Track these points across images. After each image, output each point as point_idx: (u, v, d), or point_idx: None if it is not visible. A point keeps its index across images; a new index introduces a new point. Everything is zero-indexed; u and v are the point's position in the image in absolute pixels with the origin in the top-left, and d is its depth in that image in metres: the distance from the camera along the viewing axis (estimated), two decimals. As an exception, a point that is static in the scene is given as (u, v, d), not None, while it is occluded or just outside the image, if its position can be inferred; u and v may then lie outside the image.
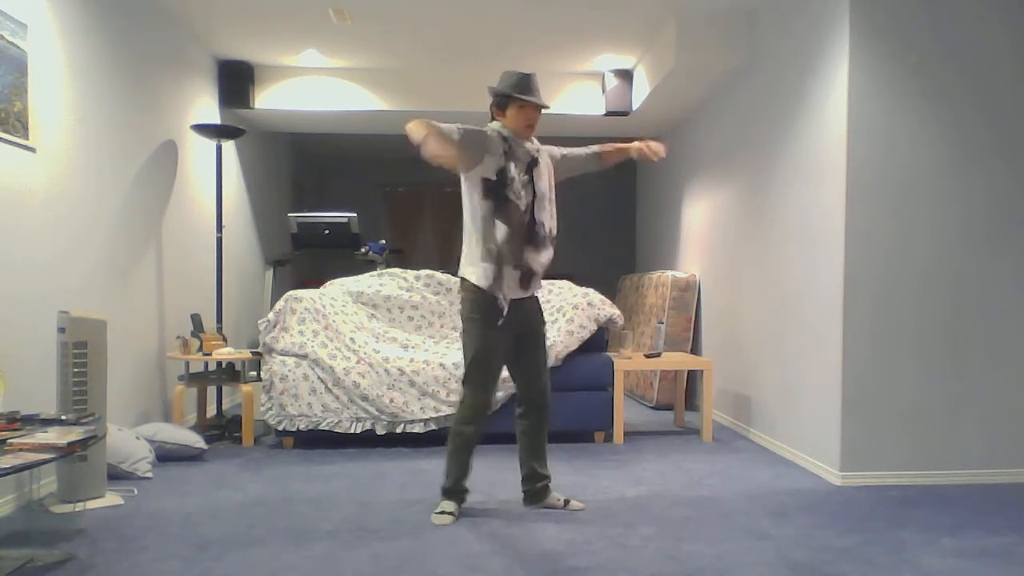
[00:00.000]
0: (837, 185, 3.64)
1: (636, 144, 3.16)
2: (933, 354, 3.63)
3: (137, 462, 3.63)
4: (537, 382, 3.13)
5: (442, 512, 3.05)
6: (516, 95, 2.97)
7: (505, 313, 2.97)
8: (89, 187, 3.74)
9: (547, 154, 3.15)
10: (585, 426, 4.49)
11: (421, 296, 4.84)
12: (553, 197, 3.12)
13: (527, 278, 3.01)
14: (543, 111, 3.10)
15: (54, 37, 3.44)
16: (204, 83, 5.40)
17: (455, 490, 3.10)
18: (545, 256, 3.05)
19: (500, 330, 2.99)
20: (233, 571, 2.48)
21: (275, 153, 7.62)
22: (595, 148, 3.24)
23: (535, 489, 3.20)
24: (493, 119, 3.07)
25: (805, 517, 3.09)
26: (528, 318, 3.10)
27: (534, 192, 3.00)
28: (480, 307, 2.98)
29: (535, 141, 3.10)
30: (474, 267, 2.98)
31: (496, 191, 2.93)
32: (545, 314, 4.69)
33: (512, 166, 2.95)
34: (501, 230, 2.93)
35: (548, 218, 3.05)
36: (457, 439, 3.07)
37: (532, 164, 3.02)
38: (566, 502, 3.20)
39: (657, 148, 3.14)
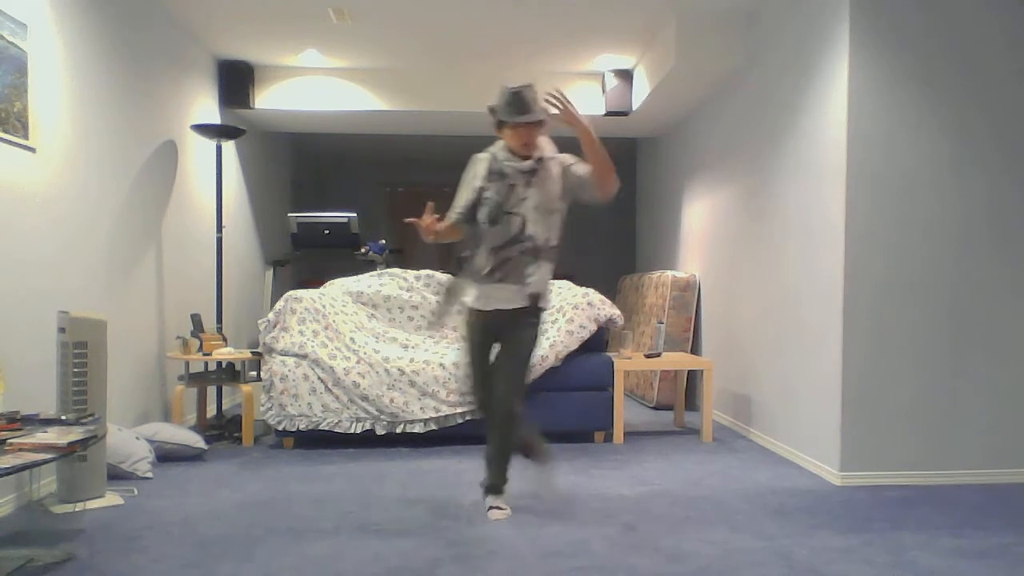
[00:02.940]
0: (837, 185, 3.64)
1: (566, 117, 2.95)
2: (933, 354, 3.63)
3: (137, 462, 3.63)
4: (493, 389, 3.12)
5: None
6: (504, 119, 2.98)
7: (478, 325, 3.13)
8: (89, 187, 3.74)
9: (558, 163, 3.08)
10: (585, 426, 4.49)
11: (421, 296, 4.83)
12: (555, 207, 3.07)
13: (486, 293, 3.09)
14: (544, 121, 3.02)
15: (54, 37, 3.44)
16: (204, 83, 5.40)
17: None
18: (531, 269, 3.04)
19: (474, 341, 3.17)
20: (233, 571, 2.48)
21: (275, 153, 7.62)
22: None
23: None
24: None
25: (805, 517, 3.09)
26: (505, 329, 3.10)
27: (526, 205, 3.01)
28: (466, 319, 3.19)
29: (543, 149, 3.07)
30: (469, 279, 3.14)
31: (481, 214, 3.05)
32: (545, 314, 4.69)
33: (493, 186, 3.02)
34: (476, 250, 3.09)
35: (543, 230, 3.04)
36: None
37: (530, 175, 3.02)
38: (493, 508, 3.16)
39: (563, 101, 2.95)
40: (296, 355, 4.31)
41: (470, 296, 3.15)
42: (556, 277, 5.91)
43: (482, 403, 3.20)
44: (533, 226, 3.02)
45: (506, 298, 3.06)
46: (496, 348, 3.16)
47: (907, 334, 3.61)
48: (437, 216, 3.00)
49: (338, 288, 4.80)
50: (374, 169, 9.94)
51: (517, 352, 3.09)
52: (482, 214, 3.04)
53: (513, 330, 3.09)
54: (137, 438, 3.73)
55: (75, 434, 2.54)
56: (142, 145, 4.35)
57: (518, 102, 2.95)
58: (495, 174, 3.04)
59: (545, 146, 3.09)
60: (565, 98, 2.86)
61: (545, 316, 3.18)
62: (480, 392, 3.19)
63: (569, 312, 4.52)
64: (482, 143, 9.42)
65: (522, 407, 3.08)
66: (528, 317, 3.09)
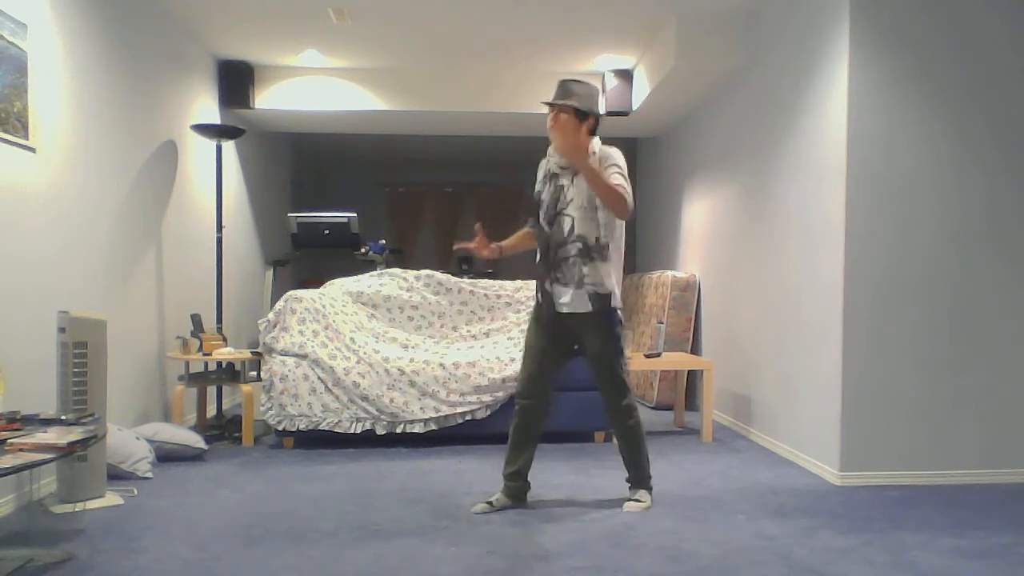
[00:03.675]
0: (837, 185, 3.64)
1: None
2: (933, 354, 3.63)
3: (137, 462, 3.63)
4: (602, 397, 3.18)
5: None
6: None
7: (544, 320, 3.16)
8: (89, 187, 3.74)
9: (597, 160, 3.05)
10: (585, 426, 4.49)
11: (421, 296, 4.83)
12: (597, 204, 3.02)
13: (553, 295, 3.13)
14: (566, 105, 3.00)
15: (54, 37, 3.44)
16: (204, 83, 5.40)
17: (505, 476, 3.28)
18: (586, 270, 3.03)
19: (537, 335, 3.19)
20: (233, 571, 2.48)
21: (275, 153, 7.62)
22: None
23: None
24: None
25: (805, 517, 3.09)
26: (575, 334, 3.14)
27: (573, 205, 3.04)
28: (534, 313, 3.24)
29: (591, 147, 3.06)
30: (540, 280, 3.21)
31: (541, 217, 3.15)
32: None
33: (547, 187, 3.13)
34: (538, 252, 3.19)
35: (592, 229, 3.03)
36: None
37: (574, 171, 3.05)
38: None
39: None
40: (296, 355, 4.31)
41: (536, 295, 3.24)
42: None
43: (521, 395, 3.19)
44: (581, 225, 3.04)
45: (568, 302, 3.09)
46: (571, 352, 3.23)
47: (907, 334, 3.61)
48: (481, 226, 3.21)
49: (338, 288, 4.80)
50: (374, 169, 9.93)
51: (600, 365, 3.12)
52: (542, 216, 3.14)
53: (587, 340, 3.12)
54: (137, 438, 3.73)
55: (75, 434, 2.54)
56: (142, 145, 4.35)
57: (556, 91, 3.07)
58: (548, 176, 3.15)
59: (593, 144, 3.08)
60: (566, 127, 2.96)
61: (619, 315, 3.10)
62: (524, 385, 3.18)
63: (569, 312, 4.51)
64: (482, 143, 9.36)
65: (628, 398, 3.14)
66: (597, 323, 3.08)
